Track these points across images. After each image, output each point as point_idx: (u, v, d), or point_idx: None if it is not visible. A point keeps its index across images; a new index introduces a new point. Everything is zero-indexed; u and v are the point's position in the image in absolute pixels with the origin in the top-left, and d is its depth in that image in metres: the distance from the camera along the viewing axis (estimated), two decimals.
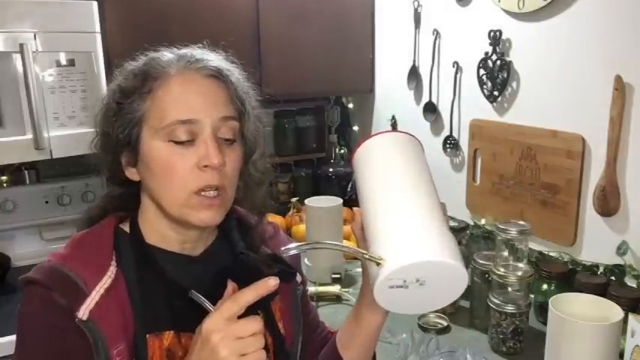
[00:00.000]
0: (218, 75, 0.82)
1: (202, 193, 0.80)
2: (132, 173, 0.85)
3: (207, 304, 0.76)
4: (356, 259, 1.79)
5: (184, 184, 0.79)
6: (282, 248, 0.77)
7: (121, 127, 0.81)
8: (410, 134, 0.87)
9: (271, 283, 0.71)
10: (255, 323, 0.70)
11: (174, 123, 0.78)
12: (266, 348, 0.72)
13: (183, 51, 0.85)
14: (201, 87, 0.81)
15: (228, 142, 0.82)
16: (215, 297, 0.84)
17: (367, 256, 0.73)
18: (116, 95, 0.82)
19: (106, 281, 0.79)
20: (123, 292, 0.80)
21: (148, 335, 0.79)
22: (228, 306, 0.70)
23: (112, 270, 0.80)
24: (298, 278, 0.95)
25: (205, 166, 0.79)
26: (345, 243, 1.78)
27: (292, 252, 0.77)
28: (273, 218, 2.14)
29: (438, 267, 0.71)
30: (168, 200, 0.81)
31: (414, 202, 0.76)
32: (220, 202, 0.82)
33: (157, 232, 0.86)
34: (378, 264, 0.71)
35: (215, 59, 0.85)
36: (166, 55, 0.84)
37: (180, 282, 0.83)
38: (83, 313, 0.75)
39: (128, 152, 0.83)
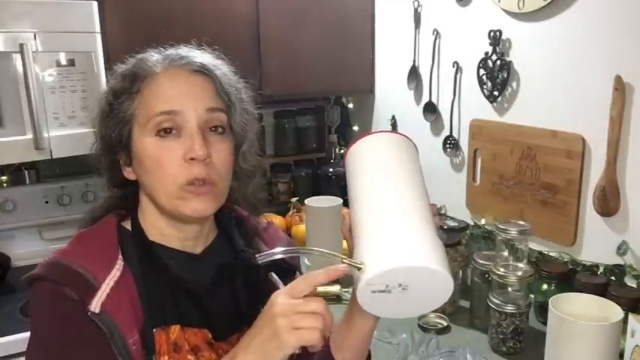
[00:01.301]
0: (203, 70, 0.84)
1: (192, 185, 0.81)
2: (129, 173, 0.87)
3: (281, 285, 0.83)
4: None
5: (173, 177, 0.81)
6: (257, 255, 0.78)
7: (113, 127, 0.84)
8: (404, 135, 0.86)
9: (342, 267, 0.72)
10: (317, 303, 0.72)
11: (157, 114, 0.80)
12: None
13: (170, 50, 0.87)
14: (186, 81, 0.83)
15: (215, 132, 0.84)
16: (216, 293, 0.85)
17: (347, 261, 0.71)
18: (108, 97, 0.85)
19: (115, 274, 0.79)
20: (132, 286, 0.81)
21: (155, 329, 0.80)
22: (297, 283, 0.74)
23: (120, 264, 0.81)
24: (297, 275, 0.96)
25: (192, 159, 0.80)
26: (345, 244, 1.78)
27: (267, 259, 0.78)
28: (273, 218, 2.15)
29: (420, 272, 0.68)
30: (161, 194, 0.82)
31: (399, 205, 0.74)
32: (210, 191, 0.82)
33: (157, 229, 0.87)
34: (359, 269, 0.69)
35: (199, 55, 0.86)
36: (154, 55, 0.86)
37: (183, 278, 0.85)
38: (95, 306, 0.76)
39: (123, 152, 0.85)
